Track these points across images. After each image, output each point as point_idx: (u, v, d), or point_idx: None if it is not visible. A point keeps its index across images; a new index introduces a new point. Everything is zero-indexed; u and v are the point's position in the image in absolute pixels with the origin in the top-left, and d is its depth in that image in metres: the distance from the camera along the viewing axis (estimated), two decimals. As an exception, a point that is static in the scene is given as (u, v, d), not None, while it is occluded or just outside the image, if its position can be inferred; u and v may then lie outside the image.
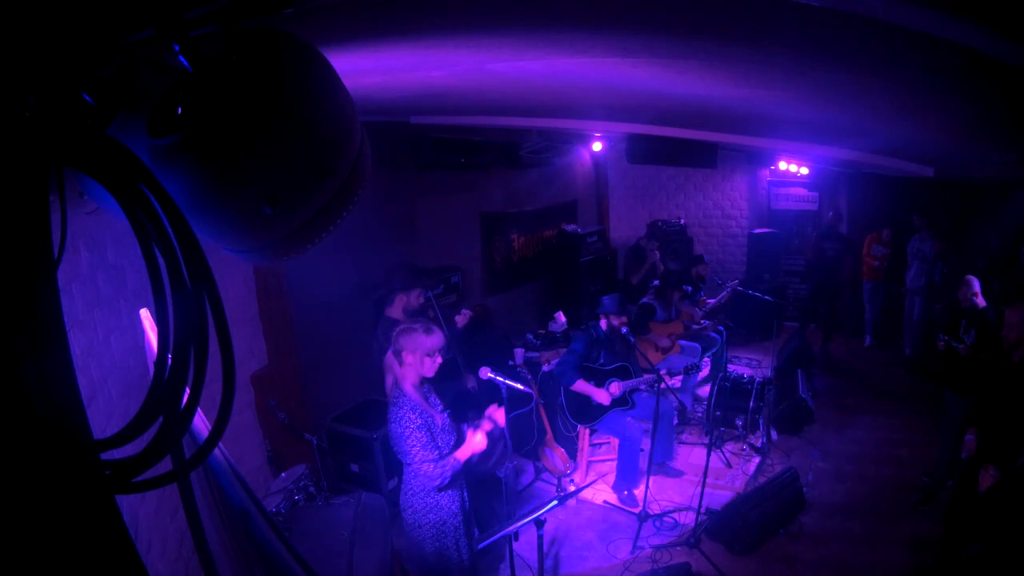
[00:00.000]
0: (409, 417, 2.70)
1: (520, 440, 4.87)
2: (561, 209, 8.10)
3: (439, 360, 2.79)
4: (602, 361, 4.62)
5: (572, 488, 3.61)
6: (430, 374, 2.81)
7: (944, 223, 6.88)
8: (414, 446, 2.70)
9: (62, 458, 0.70)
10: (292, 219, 1.00)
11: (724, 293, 6.50)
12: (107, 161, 0.77)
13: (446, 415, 2.93)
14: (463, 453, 2.80)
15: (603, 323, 4.67)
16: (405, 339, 2.75)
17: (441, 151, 5.51)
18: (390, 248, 5.09)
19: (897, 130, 3.12)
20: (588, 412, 4.55)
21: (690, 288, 6.28)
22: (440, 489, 2.81)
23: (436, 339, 2.77)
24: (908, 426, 5.53)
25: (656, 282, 6.27)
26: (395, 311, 3.73)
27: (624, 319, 4.61)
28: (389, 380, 2.83)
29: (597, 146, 7.68)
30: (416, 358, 2.74)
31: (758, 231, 8.67)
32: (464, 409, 3.94)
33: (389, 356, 2.82)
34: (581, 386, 4.45)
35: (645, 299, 6.00)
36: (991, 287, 5.16)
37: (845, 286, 7.69)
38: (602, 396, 4.44)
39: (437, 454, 2.76)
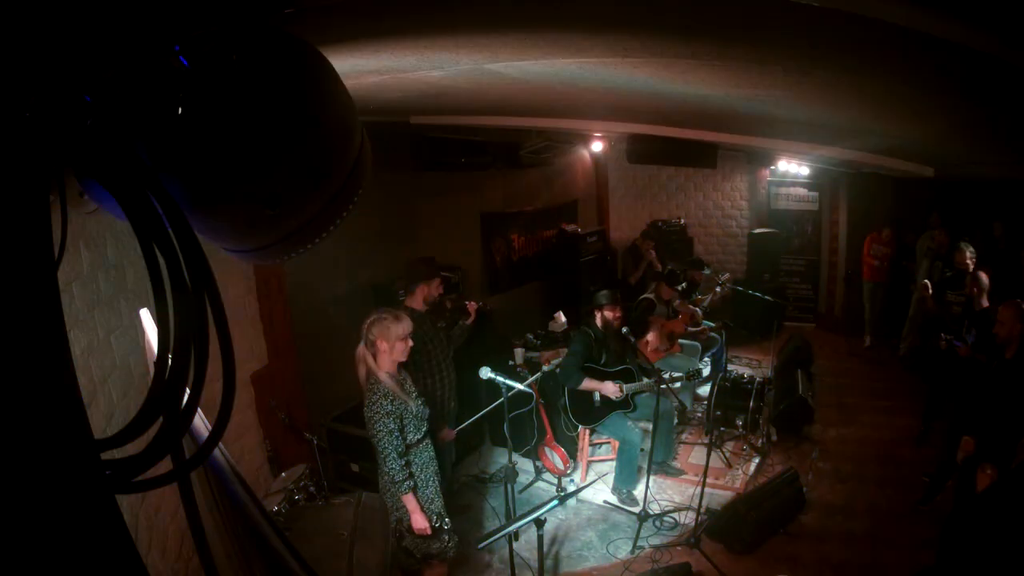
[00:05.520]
0: (381, 403, 2.84)
1: (520, 440, 4.87)
2: (561, 209, 8.09)
3: (410, 343, 2.96)
4: (604, 361, 4.62)
5: (572, 488, 3.62)
6: (403, 358, 2.96)
7: (944, 223, 6.87)
8: (381, 431, 2.82)
9: (62, 458, 0.70)
10: (292, 219, 1.00)
11: (717, 290, 6.49)
12: (107, 161, 0.77)
13: (420, 402, 3.03)
14: (413, 506, 2.89)
15: (598, 320, 4.66)
16: (378, 329, 2.89)
17: (441, 151, 5.51)
18: (390, 248, 5.09)
19: (897, 130, 3.12)
20: (590, 413, 4.55)
21: (686, 285, 6.28)
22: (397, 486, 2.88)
23: (405, 324, 2.93)
24: (908, 426, 5.53)
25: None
26: (416, 302, 3.76)
27: (618, 313, 4.62)
28: (362, 371, 2.95)
29: (597, 146, 7.67)
30: (389, 345, 2.89)
31: (758, 231, 8.67)
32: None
33: (361, 349, 2.94)
34: (588, 384, 4.44)
35: (644, 295, 6.00)
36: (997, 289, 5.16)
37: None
38: (610, 388, 4.43)
39: (403, 444, 2.88)
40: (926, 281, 5.70)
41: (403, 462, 2.86)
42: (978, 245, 5.45)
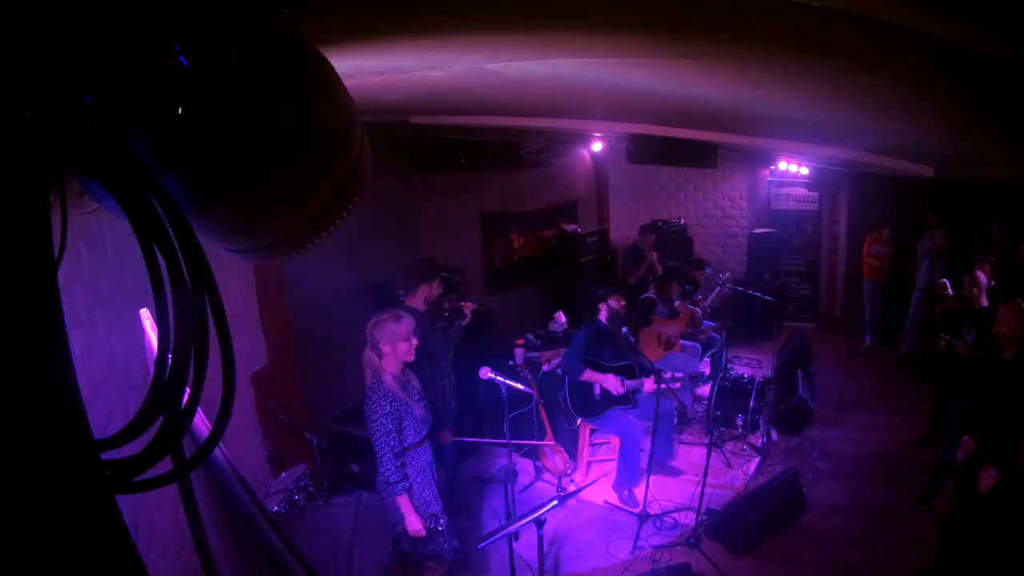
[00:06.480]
0: (380, 404, 2.84)
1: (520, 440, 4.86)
2: (561, 209, 8.09)
3: (415, 342, 2.94)
4: (607, 356, 4.62)
5: (572, 488, 3.61)
6: (410, 358, 2.94)
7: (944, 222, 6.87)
8: (378, 431, 2.82)
9: (62, 458, 0.70)
10: (292, 219, 1.00)
11: (717, 291, 6.49)
12: (108, 161, 0.77)
13: (423, 404, 3.03)
14: (407, 508, 2.89)
15: (603, 314, 4.65)
16: (379, 331, 2.88)
17: (441, 151, 5.51)
18: (390, 248, 5.09)
19: (897, 130, 3.12)
20: (590, 406, 4.55)
21: (689, 287, 6.27)
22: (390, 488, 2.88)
23: (407, 324, 2.92)
24: (908, 426, 5.52)
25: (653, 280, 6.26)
26: (417, 302, 3.76)
27: (624, 302, 4.64)
28: (368, 375, 2.95)
29: (597, 146, 7.67)
30: (392, 346, 2.88)
31: (758, 231, 8.66)
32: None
33: (367, 352, 2.94)
34: (589, 375, 4.44)
35: (646, 294, 6.00)
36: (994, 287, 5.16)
37: None
38: (611, 382, 4.43)
39: (399, 446, 2.87)
40: (945, 280, 5.66)
41: (398, 463, 2.86)
42: (978, 245, 5.44)
